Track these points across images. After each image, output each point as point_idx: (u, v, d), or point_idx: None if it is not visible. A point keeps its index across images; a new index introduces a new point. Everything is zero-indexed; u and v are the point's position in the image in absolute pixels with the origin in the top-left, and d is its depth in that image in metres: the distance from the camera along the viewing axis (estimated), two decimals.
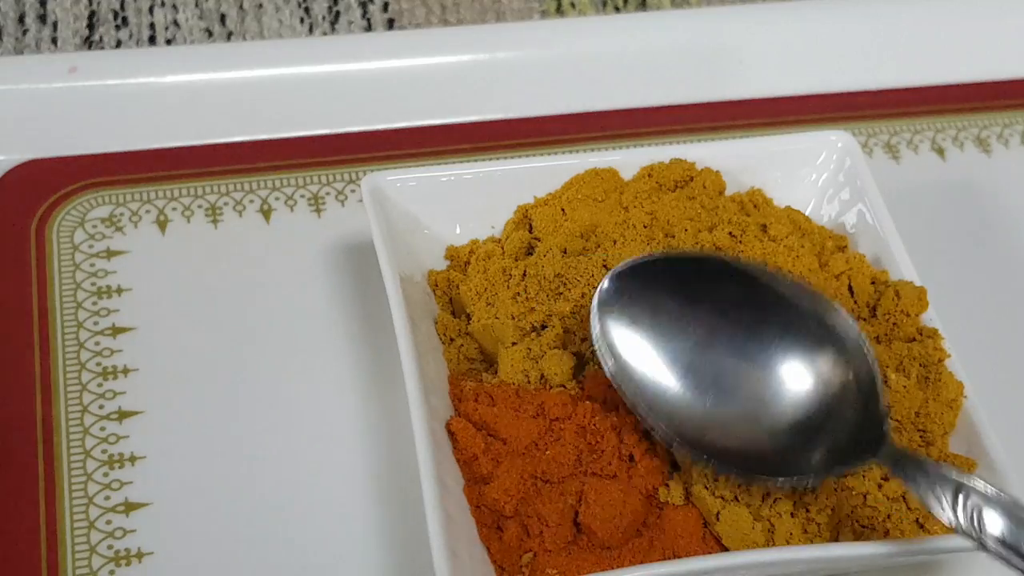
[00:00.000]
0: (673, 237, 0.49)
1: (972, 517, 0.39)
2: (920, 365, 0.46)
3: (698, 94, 0.61)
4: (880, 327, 0.48)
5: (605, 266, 0.48)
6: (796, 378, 0.44)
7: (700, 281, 0.45)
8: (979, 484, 0.40)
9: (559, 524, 0.43)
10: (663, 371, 0.44)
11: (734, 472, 0.43)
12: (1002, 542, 0.39)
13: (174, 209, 0.55)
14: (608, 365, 0.44)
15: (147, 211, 0.55)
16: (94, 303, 0.52)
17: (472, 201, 0.51)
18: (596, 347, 0.44)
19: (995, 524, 0.39)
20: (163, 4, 0.66)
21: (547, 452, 0.44)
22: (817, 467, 0.43)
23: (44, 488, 0.47)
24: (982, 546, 0.39)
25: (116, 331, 0.51)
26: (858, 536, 0.44)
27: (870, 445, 0.42)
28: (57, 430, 0.48)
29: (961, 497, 0.40)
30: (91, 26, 0.65)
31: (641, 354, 0.44)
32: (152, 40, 0.65)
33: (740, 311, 0.44)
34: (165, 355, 0.51)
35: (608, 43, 0.62)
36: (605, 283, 0.45)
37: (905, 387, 0.45)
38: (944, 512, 0.40)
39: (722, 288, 0.45)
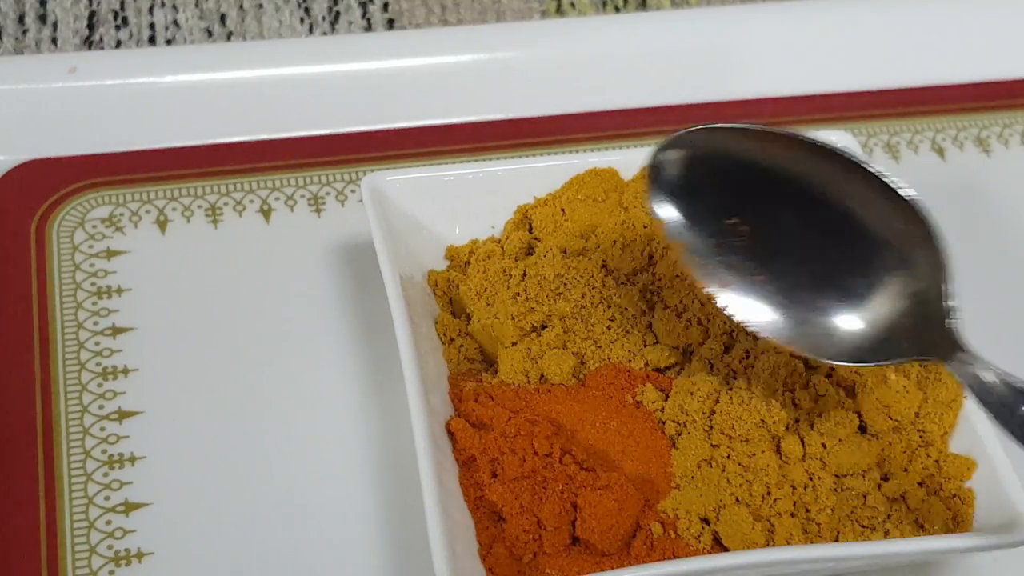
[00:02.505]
0: None
1: None
2: (920, 365, 0.46)
3: (698, 94, 0.61)
4: None
5: (605, 266, 0.48)
6: (864, 264, 0.43)
7: (766, 156, 0.44)
8: None
9: (556, 528, 0.43)
10: (729, 241, 0.43)
11: (797, 348, 0.43)
12: None
13: (174, 209, 0.55)
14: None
15: (147, 211, 0.55)
16: (94, 303, 0.52)
17: (472, 201, 0.51)
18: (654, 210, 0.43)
19: None
20: (163, 4, 0.66)
21: (541, 457, 0.44)
22: (876, 355, 0.42)
23: (44, 488, 0.47)
24: None
25: (116, 331, 0.51)
26: (858, 536, 0.44)
27: (933, 344, 0.41)
28: (57, 430, 0.48)
29: None
30: (91, 26, 0.65)
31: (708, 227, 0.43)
32: (152, 40, 0.65)
33: (810, 190, 0.43)
34: (165, 355, 0.51)
35: (608, 43, 0.62)
36: (658, 155, 0.43)
37: (905, 387, 0.45)
38: (1006, 424, 0.39)
39: (793, 165, 0.43)
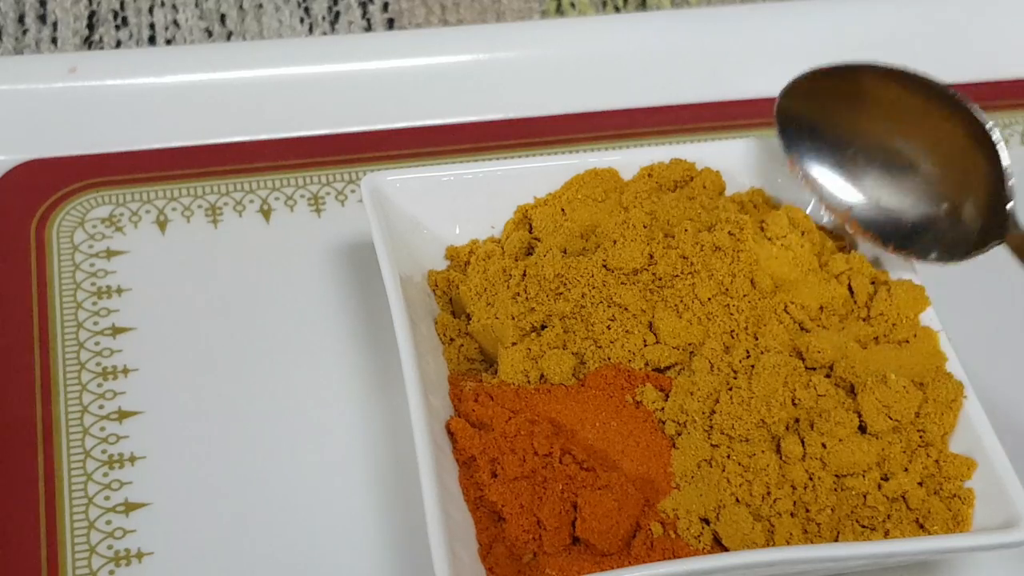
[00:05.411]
0: (673, 237, 0.49)
1: None
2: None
3: (698, 94, 0.61)
4: (879, 327, 0.48)
5: (605, 266, 0.48)
6: (931, 167, 0.50)
7: (862, 89, 0.51)
8: None
9: (556, 528, 0.43)
10: (836, 160, 0.51)
11: (891, 244, 0.49)
12: None
13: (174, 209, 0.55)
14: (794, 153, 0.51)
15: (147, 211, 0.55)
16: (94, 303, 0.52)
17: (472, 201, 0.51)
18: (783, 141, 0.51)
19: None
20: (163, 4, 0.66)
21: (541, 457, 0.44)
22: (951, 251, 0.48)
23: (44, 488, 0.47)
24: None
25: (116, 331, 0.51)
26: (858, 536, 0.44)
27: (997, 230, 0.47)
28: (57, 430, 0.48)
29: None
30: (91, 26, 0.65)
31: (820, 148, 0.51)
32: (152, 40, 0.65)
33: (890, 112, 0.51)
34: (165, 355, 0.51)
35: (608, 43, 0.62)
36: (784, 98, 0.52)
37: (905, 387, 0.45)
38: None
39: (878, 94, 0.51)
